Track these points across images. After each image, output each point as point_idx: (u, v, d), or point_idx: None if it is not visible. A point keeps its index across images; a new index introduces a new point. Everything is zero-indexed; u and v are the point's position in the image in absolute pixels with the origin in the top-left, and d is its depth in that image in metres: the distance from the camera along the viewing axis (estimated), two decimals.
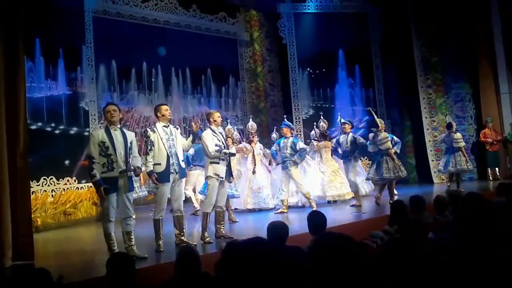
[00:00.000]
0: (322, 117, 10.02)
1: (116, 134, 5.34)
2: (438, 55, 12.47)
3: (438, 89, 12.55)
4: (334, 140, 9.35)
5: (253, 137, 9.42)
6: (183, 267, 3.04)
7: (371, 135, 8.94)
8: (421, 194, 7.14)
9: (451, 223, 4.28)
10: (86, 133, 9.46)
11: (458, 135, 9.94)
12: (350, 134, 8.90)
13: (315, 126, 10.12)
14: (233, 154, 6.52)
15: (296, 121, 13.07)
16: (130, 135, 5.53)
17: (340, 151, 8.98)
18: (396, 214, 4.93)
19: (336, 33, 13.35)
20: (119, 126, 5.52)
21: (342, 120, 9.30)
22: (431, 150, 12.28)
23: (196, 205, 8.88)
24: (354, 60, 13.42)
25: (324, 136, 9.80)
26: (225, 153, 6.24)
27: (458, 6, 12.07)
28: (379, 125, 8.88)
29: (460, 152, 9.78)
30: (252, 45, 13.42)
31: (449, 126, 10.05)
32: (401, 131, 12.67)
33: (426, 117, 12.48)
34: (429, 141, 12.34)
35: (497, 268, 2.18)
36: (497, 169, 11.77)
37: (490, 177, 11.68)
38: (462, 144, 9.93)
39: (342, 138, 8.98)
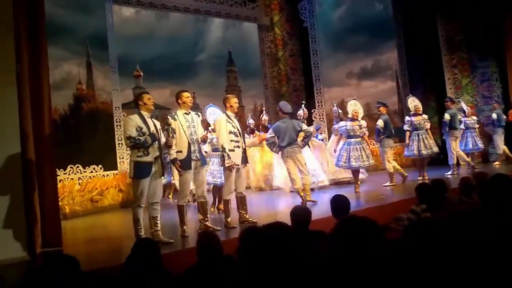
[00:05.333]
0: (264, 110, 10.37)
1: (150, 122, 5.46)
2: (463, 34, 12.16)
3: (464, 68, 12.26)
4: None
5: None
6: (204, 252, 3.07)
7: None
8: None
9: (477, 204, 4.21)
10: (110, 121, 9.64)
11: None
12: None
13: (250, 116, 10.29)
14: (228, 156, 6.12)
15: (319, 105, 12.99)
16: (158, 124, 5.62)
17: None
18: (422, 196, 4.86)
19: (357, 14, 13.16)
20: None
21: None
22: None
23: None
24: (377, 41, 13.22)
25: (265, 128, 10.00)
26: (226, 154, 6.09)
27: None
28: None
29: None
30: (273, 30, 13.32)
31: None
32: (425, 112, 12.45)
33: None
34: None
35: None
36: None
37: None
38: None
39: None
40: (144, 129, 5.34)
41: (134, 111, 5.59)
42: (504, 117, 11.16)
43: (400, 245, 1.72)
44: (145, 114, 5.48)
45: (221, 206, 7.35)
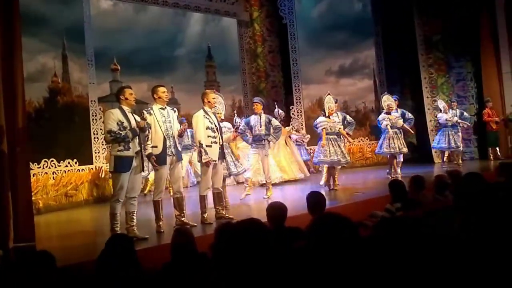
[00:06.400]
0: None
1: (130, 116, 5.43)
2: (440, 34, 12.35)
3: (440, 68, 12.47)
4: (240, 121, 8.46)
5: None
6: (178, 249, 3.06)
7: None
8: (421, 173, 7.20)
9: (450, 202, 4.28)
10: (86, 115, 9.51)
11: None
12: (264, 116, 8.07)
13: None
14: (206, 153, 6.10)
15: (297, 102, 13.04)
16: (138, 118, 5.57)
17: (249, 134, 8.02)
18: (396, 193, 4.92)
19: (336, 12, 13.24)
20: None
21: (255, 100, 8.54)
22: (431, 130, 12.26)
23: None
24: (356, 39, 13.33)
25: None
26: (202, 150, 6.05)
27: None
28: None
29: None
30: (252, 25, 13.30)
31: None
32: None
33: (427, 97, 12.44)
34: (430, 121, 12.31)
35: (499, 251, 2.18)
36: (497, 148, 11.77)
37: (491, 157, 11.68)
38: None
39: (253, 120, 8.07)
40: (125, 124, 5.32)
41: (111, 105, 5.54)
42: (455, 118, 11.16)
43: (369, 242, 1.74)
44: (126, 108, 5.45)
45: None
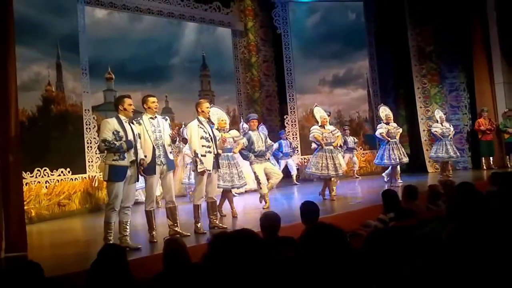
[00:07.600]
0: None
1: (127, 126, 5.41)
2: (433, 44, 12.45)
3: (433, 78, 12.55)
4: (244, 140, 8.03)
5: None
6: (171, 260, 3.05)
7: None
8: (415, 183, 7.22)
9: (443, 212, 4.29)
10: (79, 124, 9.47)
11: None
12: (261, 133, 8.34)
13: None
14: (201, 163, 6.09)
15: (291, 111, 13.07)
16: (135, 128, 5.57)
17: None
18: (389, 203, 4.93)
19: (330, 23, 13.33)
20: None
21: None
22: (425, 140, 12.32)
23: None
24: (349, 49, 13.41)
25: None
26: (198, 159, 6.07)
27: None
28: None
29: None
30: (247, 35, 13.36)
31: None
32: (395, 121, 12.69)
33: (420, 107, 12.51)
34: (423, 130, 12.37)
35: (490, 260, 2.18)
36: (491, 158, 11.82)
37: (484, 166, 11.73)
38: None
39: (254, 136, 8.04)
40: (121, 133, 5.30)
41: (105, 114, 5.53)
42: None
43: (360, 253, 1.74)
44: (123, 118, 5.43)
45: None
